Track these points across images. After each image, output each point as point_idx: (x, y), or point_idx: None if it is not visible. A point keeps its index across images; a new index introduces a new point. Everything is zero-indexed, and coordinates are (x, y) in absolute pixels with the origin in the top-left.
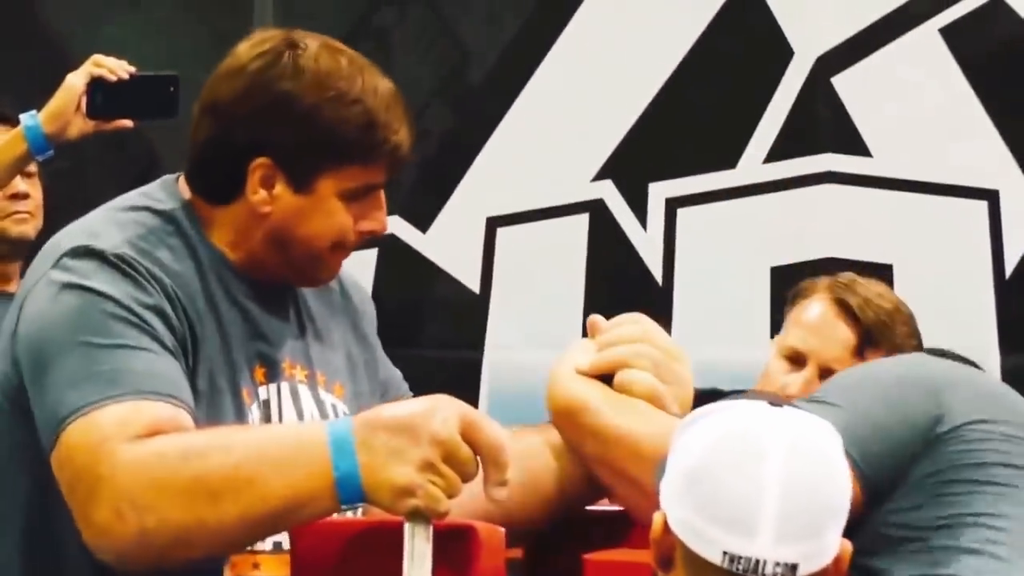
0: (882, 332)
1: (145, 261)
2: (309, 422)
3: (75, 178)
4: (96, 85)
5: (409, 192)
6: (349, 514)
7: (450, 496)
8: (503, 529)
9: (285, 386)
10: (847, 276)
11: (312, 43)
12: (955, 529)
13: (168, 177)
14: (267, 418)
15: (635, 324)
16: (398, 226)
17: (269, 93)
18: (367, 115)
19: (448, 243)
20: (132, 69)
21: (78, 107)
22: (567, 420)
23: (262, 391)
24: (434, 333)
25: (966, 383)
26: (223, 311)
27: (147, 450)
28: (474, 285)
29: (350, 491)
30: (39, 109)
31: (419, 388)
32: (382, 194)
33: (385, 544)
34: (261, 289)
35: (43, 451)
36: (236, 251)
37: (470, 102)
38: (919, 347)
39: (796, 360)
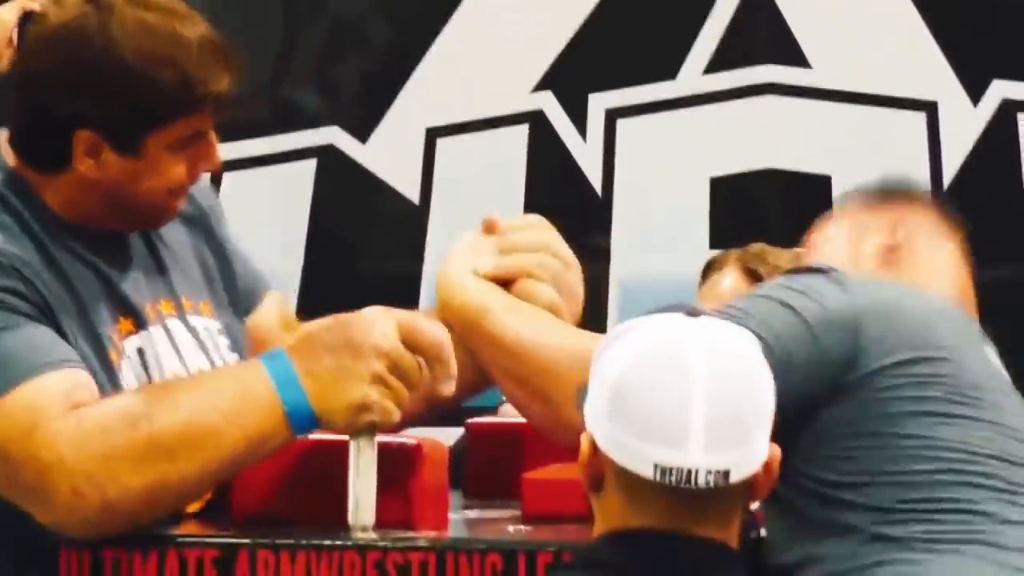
0: None
1: None
2: (244, 363)
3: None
4: (28, 18)
5: (348, 103)
6: None
7: (399, 406)
8: (446, 445)
9: (156, 328)
10: (757, 247)
11: (118, 0)
12: (860, 488)
13: None
14: (144, 366)
15: (536, 230)
16: (337, 137)
17: (82, 64)
18: (182, 72)
19: (388, 154)
20: None
21: (9, 42)
22: (467, 324)
23: (133, 341)
24: (374, 245)
25: (889, 314)
26: (73, 276)
27: (88, 424)
28: (414, 196)
29: (302, 421)
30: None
31: (360, 300)
32: (212, 134)
33: (328, 460)
34: (106, 240)
35: None
36: (73, 211)
37: (409, 12)
38: None
39: None
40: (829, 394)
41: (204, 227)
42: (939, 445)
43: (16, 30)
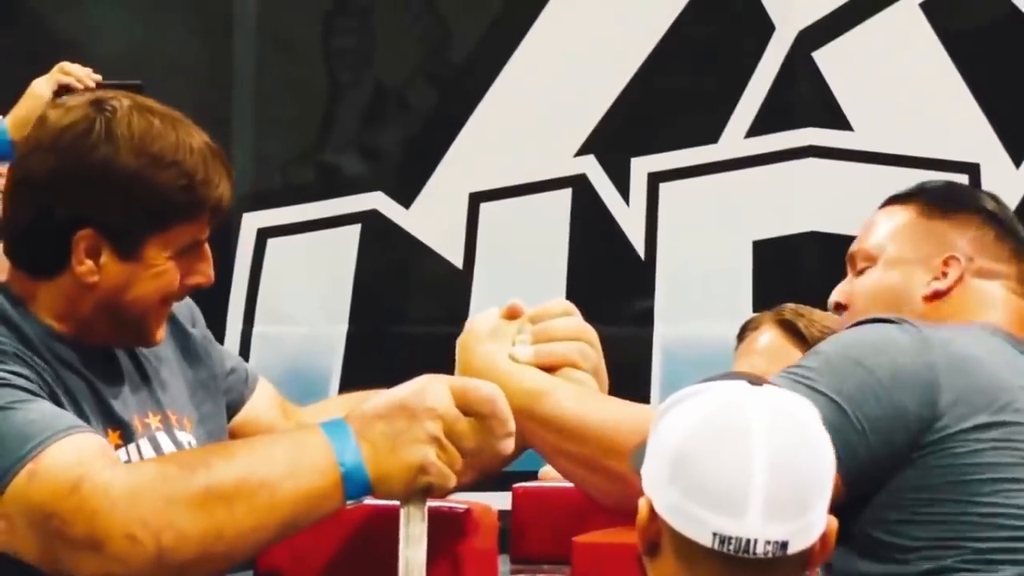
0: None
1: None
2: (302, 426)
3: None
4: (63, 93)
5: (392, 168)
6: None
7: (453, 470)
8: (496, 509)
9: (144, 441)
10: (791, 306)
11: (121, 104)
12: (931, 552)
13: None
14: None
15: (569, 316)
16: (381, 202)
17: (85, 165)
18: (185, 176)
19: (431, 219)
20: (98, 77)
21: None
22: (520, 408)
23: (121, 454)
24: (418, 308)
25: (964, 374)
26: (68, 385)
27: (142, 472)
28: (457, 260)
29: (356, 485)
30: (17, 91)
31: (404, 363)
32: (207, 246)
33: (379, 527)
34: (96, 353)
35: None
36: (64, 322)
37: (453, 79)
38: None
39: None
40: (905, 455)
41: (181, 339)
42: (1013, 514)
43: (51, 104)
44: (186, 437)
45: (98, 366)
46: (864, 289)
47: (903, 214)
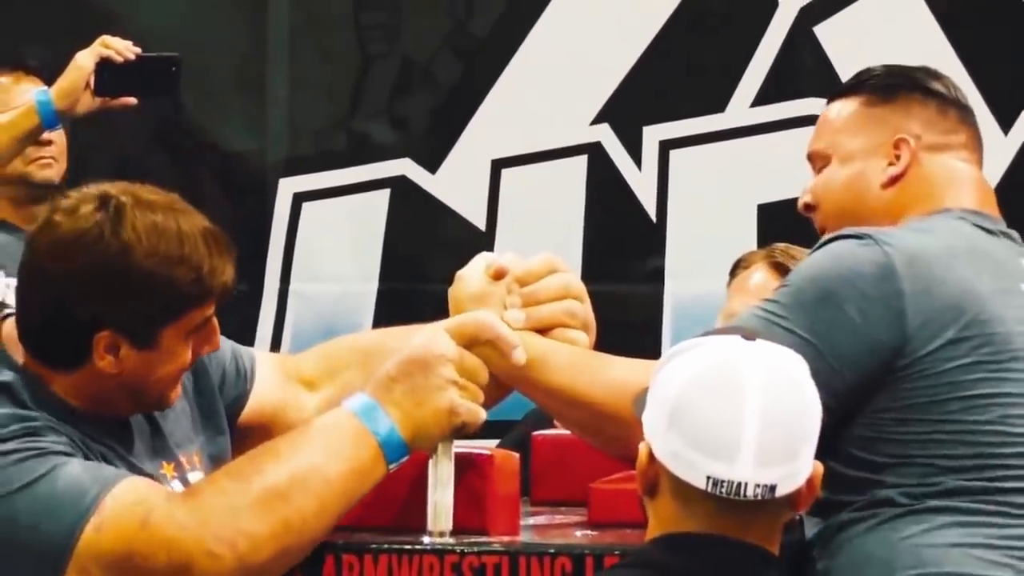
0: None
1: (19, 427)
2: (330, 412)
3: (98, 124)
4: (104, 65)
5: (419, 136)
6: None
7: (477, 403)
8: (516, 455)
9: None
10: (782, 245)
11: (125, 200)
12: (897, 469)
13: None
14: None
15: (555, 274)
16: (409, 168)
17: (99, 270)
18: (194, 270)
19: (456, 183)
20: (137, 50)
21: (87, 85)
22: (519, 379)
23: None
24: (443, 268)
25: (930, 295)
26: (96, 452)
27: (199, 493)
28: (480, 223)
29: (394, 450)
30: (62, 64)
31: (430, 318)
32: (214, 319)
33: (409, 471)
34: (113, 421)
35: None
36: (83, 401)
37: (475, 52)
38: None
39: None
40: (879, 380)
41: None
42: (980, 430)
43: (93, 75)
44: (196, 476)
45: (116, 434)
46: (826, 187)
47: (847, 107)
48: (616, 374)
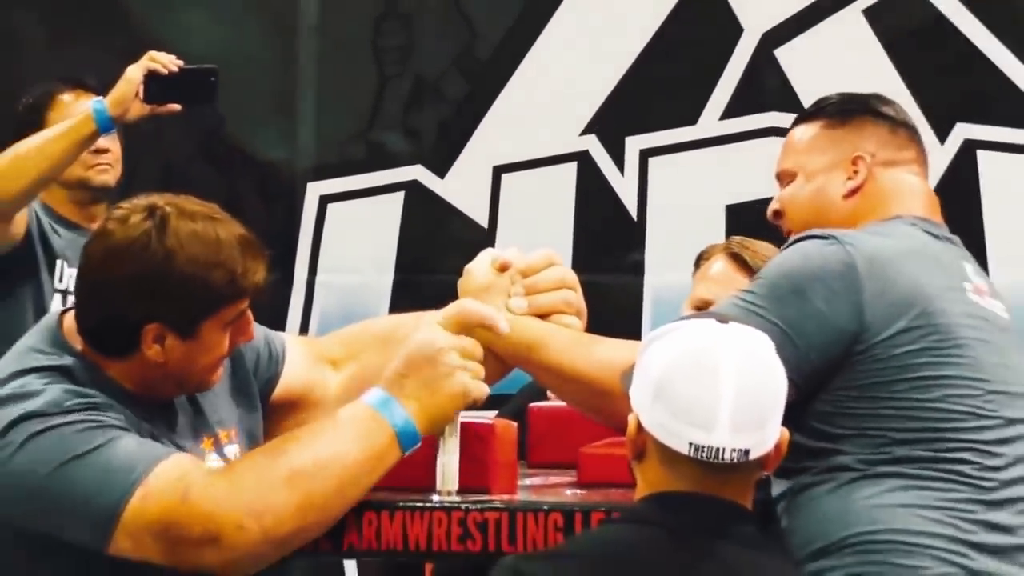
0: None
1: (82, 402)
2: (351, 405)
3: (148, 137)
4: (151, 76)
5: (429, 145)
6: None
7: (481, 379)
8: (515, 424)
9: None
10: (737, 238)
11: (169, 211)
12: (862, 438)
13: (50, 325)
14: None
15: (553, 267)
16: (420, 174)
17: (148, 275)
18: (229, 272)
19: (462, 187)
20: (180, 63)
21: (136, 94)
22: (520, 358)
23: None
24: (450, 261)
25: (886, 291)
26: (146, 429)
27: (234, 471)
28: (483, 222)
29: (408, 438)
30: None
31: (438, 306)
32: (248, 312)
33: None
34: (163, 406)
35: None
36: (134, 385)
37: (479, 72)
38: None
39: (705, 309)
40: (840, 363)
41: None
42: (922, 407)
43: (142, 86)
44: (232, 450)
45: (162, 413)
46: (792, 199)
47: (810, 131)
48: (604, 352)
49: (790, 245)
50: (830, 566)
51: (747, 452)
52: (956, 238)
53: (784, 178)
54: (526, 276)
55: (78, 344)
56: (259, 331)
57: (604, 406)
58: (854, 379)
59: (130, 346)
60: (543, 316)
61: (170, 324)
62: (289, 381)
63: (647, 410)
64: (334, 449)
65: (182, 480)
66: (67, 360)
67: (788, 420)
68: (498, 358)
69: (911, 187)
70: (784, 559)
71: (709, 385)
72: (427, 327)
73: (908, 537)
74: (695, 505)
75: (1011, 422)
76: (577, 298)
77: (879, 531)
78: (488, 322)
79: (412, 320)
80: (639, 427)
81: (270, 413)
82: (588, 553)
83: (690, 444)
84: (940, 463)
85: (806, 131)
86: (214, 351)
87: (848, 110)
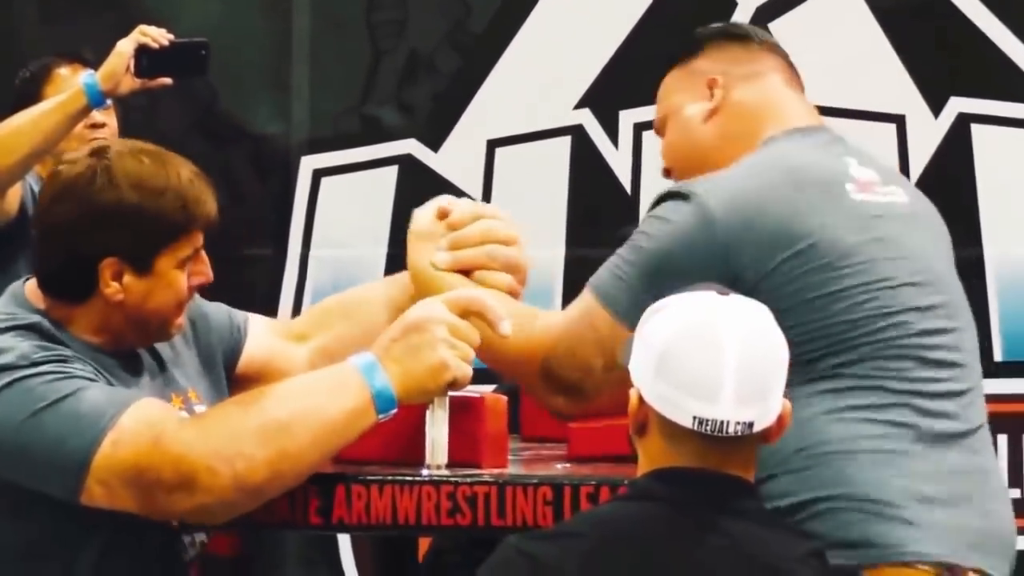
0: None
1: (50, 355)
2: (336, 364)
3: (145, 108)
4: (142, 50)
5: (423, 119)
6: None
7: (466, 362)
8: (505, 398)
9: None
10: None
11: (116, 150)
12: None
13: (15, 290)
14: None
15: (480, 220)
16: (414, 148)
17: (96, 207)
18: (179, 199)
19: (456, 161)
20: (171, 36)
21: (127, 68)
22: None
23: None
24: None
25: (749, 232)
26: (115, 383)
27: (207, 419)
28: (477, 195)
29: (385, 401)
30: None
31: None
32: (203, 252)
33: (408, 412)
34: (125, 357)
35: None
36: (100, 335)
37: (473, 46)
38: None
39: None
40: None
41: (190, 322)
42: (826, 324)
43: (132, 59)
44: (201, 409)
45: (129, 367)
46: (668, 145)
47: (669, 76)
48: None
49: (653, 205)
50: (780, 491)
51: (751, 424)
52: (839, 135)
53: (660, 132)
54: (453, 230)
55: (42, 304)
56: (221, 307)
57: (523, 384)
58: None
59: (88, 287)
60: (468, 272)
61: (125, 258)
62: (251, 353)
63: (648, 384)
64: (308, 402)
65: (153, 425)
66: (33, 318)
67: None
68: None
69: (777, 97)
70: (790, 533)
71: (712, 357)
72: (429, 301)
73: (847, 444)
74: (699, 480)
75: (922, 310)
76: (507, 253)
77: (820, 443)
78: (489, 315)
79: (379, 286)
80: (641, 401)
81: (234, 386)
82: (592, 531)
83: (693, 417)
84: (854, 371)
85: (667, 78)
86: (171, 289)
87: (698, 41)
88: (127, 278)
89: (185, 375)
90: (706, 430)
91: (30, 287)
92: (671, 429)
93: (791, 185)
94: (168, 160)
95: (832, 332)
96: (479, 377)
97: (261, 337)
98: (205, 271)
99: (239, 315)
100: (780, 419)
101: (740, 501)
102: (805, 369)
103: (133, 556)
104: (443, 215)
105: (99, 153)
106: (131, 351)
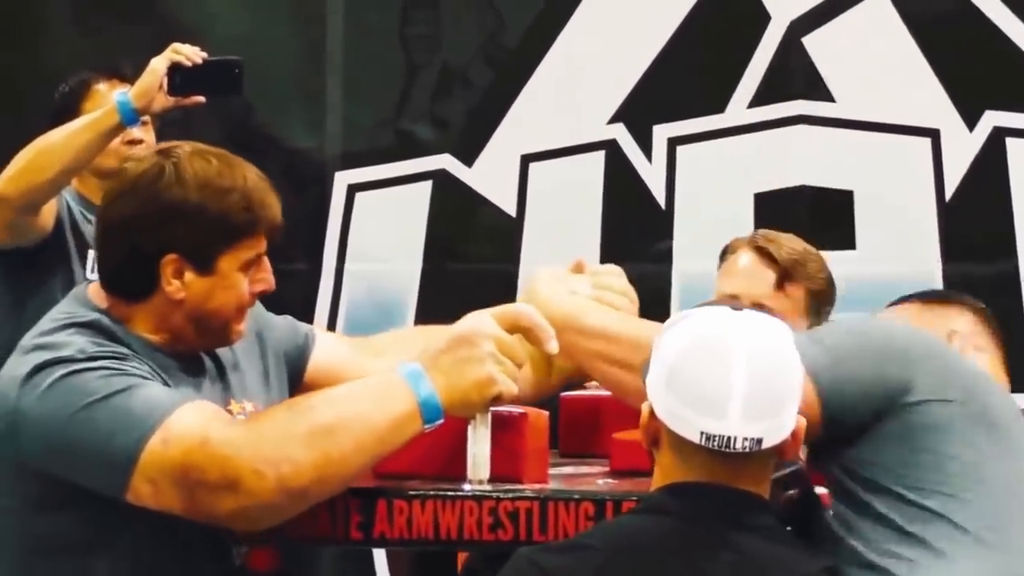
0: (796, 268)
1: (107, 351)
2: (383, 372)
3: (180, 127)
4: (175, 68)
5: (457, 134)
6: None
7: (512, 379)
8: (547, 413)
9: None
10: (764, 231)
11: (184, 151)
12: (914, 490)
13: (78, 291)
14: None
15: (621, 279)
16: (448, 162)
17: (162, 203)
18: (244, 200)
19: (489, 176)
20: (204, 54)
21: (161, 86)
22: (567, 322)
23: None
24: (478, 250)
25: (940, 359)
26: (173, 383)
27: (255, 421)
28: (511, 210)
29: (431, 411)
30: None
31: (466, 293)
32: (266, 258)
33: (452, 427)
34: (186, 358)
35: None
36: (160, 335)
37: (506, 61)
38: (829, 279)
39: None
40: (883, 409)
41: (259, 344)
42: (987, 474)
43: (166, 77)
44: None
45: (187, 368)
46: None
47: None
48: (649, 323)
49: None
50: None
51: (759, 441)
52: None
53: None
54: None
55: (103, 303)
56: (286, 317)
57: (631, 380)
58: (907, 424)
59: (150, 284)
60: None
61: (187, 255)
62: (318, 362)
63: (660, 398)
64: (354, 408)
65: (203, 426)
66: (92, 315)
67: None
68: (544, 372)
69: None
70: (802, 551)
71: (720, 373)
72: (478, 315)
73: None
74: (708, 495)
75: None
76: (633, 309)
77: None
78: (538, 331)
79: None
80: (652, 415)
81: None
82: (603, 544)
83: (701, 433)
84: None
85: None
86: (233, 291)
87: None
88: (188, 276)
89: (245, 383)
90: (713, 446)
91: (93, 287)
92: (681, 444)
93: (976, 368)
94: (235, 162)
95: (993, 485)
96: None
97: (330, 348)
98: (268, 279)
99: (304, 326)
100: (795, 435)
101: (752, 517)
102: (948, 506)
103: (179, 559)
104: (579, 268)
105: (166, 152)
106: (191, 353)
